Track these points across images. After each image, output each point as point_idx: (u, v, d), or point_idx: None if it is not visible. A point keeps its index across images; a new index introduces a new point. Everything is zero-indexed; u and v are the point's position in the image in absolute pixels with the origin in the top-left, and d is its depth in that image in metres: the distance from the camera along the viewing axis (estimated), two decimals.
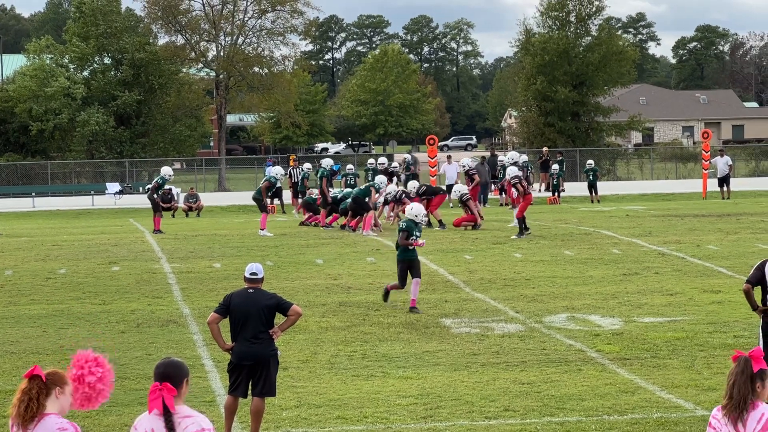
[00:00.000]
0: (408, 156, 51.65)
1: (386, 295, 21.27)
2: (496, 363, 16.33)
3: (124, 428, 13.10)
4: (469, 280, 24.21)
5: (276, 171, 36.95)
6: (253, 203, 36.92)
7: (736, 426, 7.36)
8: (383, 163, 44.03)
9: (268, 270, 24.53)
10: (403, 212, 36.40)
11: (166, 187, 41.17)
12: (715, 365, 15.84)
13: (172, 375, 7.38)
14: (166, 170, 38.13)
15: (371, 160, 45.64)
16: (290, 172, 46.49)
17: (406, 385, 15.06)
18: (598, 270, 25.47)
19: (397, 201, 36.78)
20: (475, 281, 24.09)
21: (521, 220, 32.37)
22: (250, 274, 12.76)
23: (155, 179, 38.00)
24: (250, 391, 12.64)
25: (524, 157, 48.88)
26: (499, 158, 41.40)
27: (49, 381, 7.10)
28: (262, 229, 34.73)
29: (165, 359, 7.55)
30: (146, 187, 60.74)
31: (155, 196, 37.23)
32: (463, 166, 40.47)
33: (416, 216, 20.90)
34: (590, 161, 51.86)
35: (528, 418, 13.28)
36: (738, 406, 7.35)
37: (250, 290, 12.69)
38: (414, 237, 20.56)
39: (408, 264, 20.64)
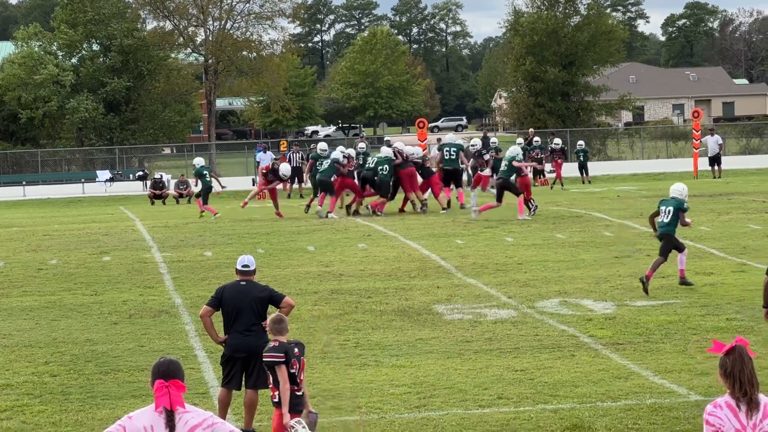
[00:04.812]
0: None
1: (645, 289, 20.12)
2: (488, 350, 16.31)
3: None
4: (461, 265, 24.17)
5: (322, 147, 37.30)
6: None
7: (747, 416, 7.17)
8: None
9: (260, 258, 24.52)
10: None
11: (157, 174, 41.60)
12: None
13: (175, 373, 7.35)
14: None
15: (361, 144, 44.96)
16: (289, 156, 46.56)
17: (399, 374, 15.04)
18: (590, 253, 25.46)
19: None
20: (467, 266, 24.04)
21: (527, 201, 32.97)
22: (242, 266, 12.74)
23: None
24: (243, 383, 12.64)
25: (520, 140, 48.91)
26: (471, 142, 41.43)
27: None
28: (330, 212, 34.67)
29: (163, 358, 7.50)
30: (136, 174, 60.98)
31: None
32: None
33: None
34: (581, 142, 51.80)
35: (521, 406, 13.27)
36: (752, 394, 7.15)
37: (243, 282, 12.67)
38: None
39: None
